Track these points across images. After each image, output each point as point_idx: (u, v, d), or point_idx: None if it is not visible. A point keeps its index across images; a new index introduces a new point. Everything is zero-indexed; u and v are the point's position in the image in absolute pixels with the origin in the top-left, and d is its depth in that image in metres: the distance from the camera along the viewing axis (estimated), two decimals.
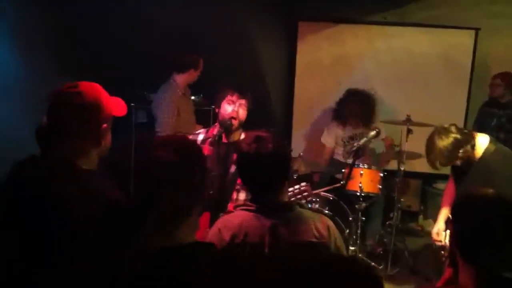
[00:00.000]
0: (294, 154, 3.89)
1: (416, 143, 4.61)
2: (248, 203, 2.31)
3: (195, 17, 5.02)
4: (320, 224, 2.24)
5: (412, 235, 5.96)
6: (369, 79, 6.06)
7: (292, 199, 3.06)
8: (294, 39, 6.53)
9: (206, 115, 5.51)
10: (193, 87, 5.09)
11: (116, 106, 2.12)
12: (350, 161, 4.42)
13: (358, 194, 4.77)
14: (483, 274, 1.70)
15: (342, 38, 6.48)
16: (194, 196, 1.69)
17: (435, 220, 4.00)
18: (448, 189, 4.00)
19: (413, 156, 5.01)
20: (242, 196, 3.32)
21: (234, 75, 5.07)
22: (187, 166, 1.66)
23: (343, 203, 4.80)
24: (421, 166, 5.06)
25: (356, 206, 4.79)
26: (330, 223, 2.31)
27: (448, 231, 3.76)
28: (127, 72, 5.28)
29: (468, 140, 3.44)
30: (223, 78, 4.04)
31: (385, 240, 5.29)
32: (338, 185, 4.55)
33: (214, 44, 5.13)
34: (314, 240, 2.20)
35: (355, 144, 3.90)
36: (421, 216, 6.44)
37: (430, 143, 3.49)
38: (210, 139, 3.46)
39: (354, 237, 4.75)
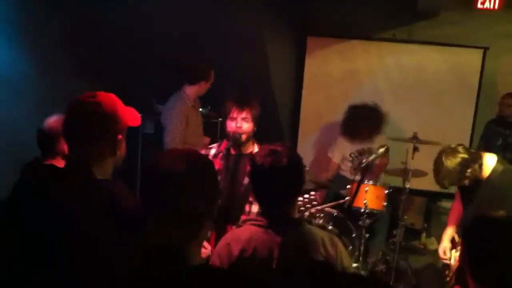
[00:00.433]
0: None
1: (421, 160, 4.63)
2: (258, 217, 2.31)
3: (205, 30, 5.05)
4: (329, 242, 2.24)
5: (415, 253, 5.94)
6: (377, 95, 6.08)
7: (302, 208, 3.06)
8: (302, 53, 6.56)
9: (213, 127, 5.53)
10: (201, 99, 5.11)
11: (131, 116, 2.15)
12: (358, 177, 4.42)
13: (363, 210, 4.76)
14: None
15: (350, 53, 6.51)
16: (205, 209, 1.67)
17: (438, 238, 4.00)
18: (454, 208, 4.00)
19: (418, 173, 5.01)
20: (255, 208, 3.32)
21: (242, 88, 5.08)
22: (196, 178, 1.64)
23: (347, 219, 4.79)
24: (426, 183, 5.06)
25: (360, 222, 4.78)
26: (339, 243, 2.31)
27: (454, 251, 3.76)
28: (136, 82, 5.32)
29: (475, 159, 3.45)
30: (230, 91, 4.07)
31: (388, 257, 5.27)
32: (343, 201, 4.56)
33: (223, 57, 5.15)
34: (321, 258, 2.19)
35: (364, 161, 3.90)
36: (424, 234, 6.43)
37: (438, 164, 3.49)
38: (221, 153, 3.48)
39: (357, 253, 4.74)
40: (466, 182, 3.49)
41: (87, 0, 4.61)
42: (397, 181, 5.48)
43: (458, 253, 3.67)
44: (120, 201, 1.93)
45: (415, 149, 4.98)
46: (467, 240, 1.86)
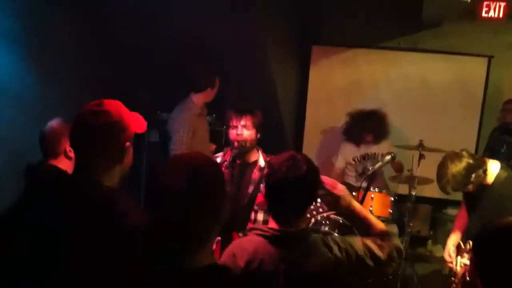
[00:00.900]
0: None
1: (427, 168, 4.62)
2: (264, 227, 2.26)
3: (208, 40, 5.08)
4: (335, 247, 2.21)
5: (421, 261, 5.93)
6: (381, 103, 6.06)
7: (308, 215, 3.06)
8: (307, 62, 6.58)
9: (218, 135, 5.55)
10: (206, 107, 5.14)
11: (137, 123, 2.14)
12: (364, 184, 4.42)
13: None
14: None
15: (354, 62, 6.52)
16: (211, 221, 1.65)
17: (444, 245, 3.99)
18: (460, 215, 3.99)
19: (424, 181, 5.01)
20: (260, 216, 3.34)
21: (246, 96, 5.11)
22: (203, 191, 1.61)
23: (352, 226, 4.77)
24: (432, 191, 5.06)
25: None
26: (337, 239, 2.27)
27: (459, 257, 3.75)
28: (140, 90, 5.34)
29: (480, 165, 3.44)
30: (235, 100, 4.10)
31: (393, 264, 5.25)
32: None
33: (227, 65, 5.18)
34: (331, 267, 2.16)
35: (370, 168, 3.89)
36: (430, 242, 6.41)
37: (443, 168, 3.49)
38: (226, 162, 3.50)
39: None
40: (470, 187, 3.48)
41: (91, 8, 4.64)
42: (403, 189, 5.48)
43: (463, 260, 3.66)
44: (125, 211, 1.93)
45: (421, 156, 4.98)
46: (477, 248, 1.85)
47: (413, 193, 5.00)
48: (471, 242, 3.53)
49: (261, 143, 3.59)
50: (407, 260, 5.11)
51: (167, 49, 5.11)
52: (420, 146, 5.00)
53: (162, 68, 5.31)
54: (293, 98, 6.70)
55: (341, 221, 4.73)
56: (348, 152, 5.47)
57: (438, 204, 6.38)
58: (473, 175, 3.40)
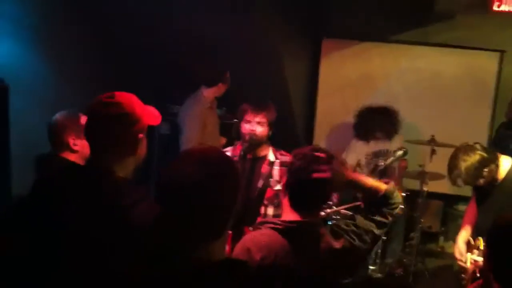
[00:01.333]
0: None
1: (439, 163, 4.59)
2: (276, 220, 2.28)
3: (219, 33, 5.07)
4: (348, 235, 2.22)
5: (432, 256, 5.91)
6: (392, 98, 6.03)
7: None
8: (317, 56, 6.55)
9: (228, 128, 5.54)
10: (217, 100, 5.13)
11: (151, 115, 2.16)
12: None
13: None
14: None
15: (366, 56, 6.47)
16: (226, 214, 1.65)
17: (455, 241, 3.95)
18: (469, 210, 3.94)
19: (436, 176, 4.98)
20: (270, 211, 3.34)
21: (257, 89, 5.09)
22: (218, 184, 1.61)
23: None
24: (443, 187, 5.03)
25: None
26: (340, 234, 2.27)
27: (469, 254, 3.72)
28: (151, 83, 5.35)
29: (493, 159, 3.40)
30: (246, 93, 4.08)
31: (405, 260, 5.24)
32: (359, 203, 4.53)
33: (237, 59, 5.16)
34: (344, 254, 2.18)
35: (381, 164, 3.87)
36: (441, 237, 6.38)
37: (455, 160, 3.44)
38: (236, 157, 3.49)
39: (374, 256, 4.72)
40: (481, 181, 3.43)
41: (103, 5, 4.65)
42: (414, 184, 5.45)
43: (473, 256, 3.63)
44: (136, 202, 1.93)
45: (433, 152, 4.94)
46: (491, 243, 1.83)
47: (425, 189, 4.98)
48: (481, 239, 3.50)
49: (272, 136, 3.58)
50: (418, 255, 5.09)
51: (179, 42, 5.11)
52: (432, 141, 4.97)
53: (175, 60, 5.30)
54: (304, 91, 6.67)
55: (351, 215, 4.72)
56: (359, 150, 5.43)
57: (450, 200, 6.33)
58: (485, 169, 3.36)
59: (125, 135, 2.03)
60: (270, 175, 3.44)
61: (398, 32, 6.49)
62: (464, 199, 5.57)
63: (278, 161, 3.49)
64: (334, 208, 4.19)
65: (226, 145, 4.41)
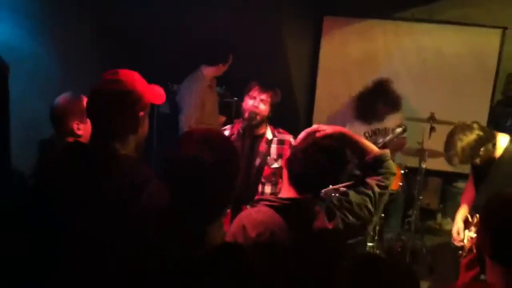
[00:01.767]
0: None
1: (438, 141, 4.59)
2: (271, 197, 2.29)
3: (219, 13, 5.05)
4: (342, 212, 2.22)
5: (430, 233, 5.96)
6: (394, 75, 6.00)
7: None
8: (318, 33, 6.51)
9: (228, 107, 5.55)
10: (217, 79, 5.13)
11: (154, 94, 2.16)
12: None
13: None
14: None
15: (368, 34, 6.43)
16: (228, 194, 1.69)
17: (454, 218, 3.97)
18: (468, 188, 3.97)
19: (435, 154, 4.99)
20: (268, 189, 3.37)
21: (257, 68, 5.08)
22: (221, 165, 1.64)
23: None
24: (442, 164, 5.01)
25: None
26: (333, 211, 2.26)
27: (467, 231, 3.75)
28: (151, 62, 5.33)
29: (490, 138, 3.40)
30: (246, 71, 4.09)
31: (403, 237, 5.29)
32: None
33: (237, 37, 5.15)
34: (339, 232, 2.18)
35: (381, 141, 3.87)
36: (440, 215, 6.43)
37: (452, 139, 3.44)
38: (234, 136, 3.50)
39: (373, 233, 4.75)
40: (478, 161, 3.44)
41: None
42: (413, 161, 5.46)
43: (471, 234, 3.66)
44: (141, 178, 1.94)
45: (432, 129, 4.95)
46: (485, 217, 1.84)
47: (423, 166, 4.99)
48: (478, 216, 3.52)
49: (273, 114, 3.59)
50: (416, 232, 5.13)
51: (181, 21, 5.09)
52: (431, 118, 4.98)
53: (175, 39, 5.29)
54: (305, 70, 6.64)
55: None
56: (359, 128, 5.43)
57: (448, 177, 6.36)
58: (482, 149, 3.37)
59: (126, 113, 2.03)
60: (267, 153, 3.46)
61: (401, 9, 6.45)
62: (463, 177, 5.60)
63: (276, 139, 3.51)
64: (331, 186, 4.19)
65: (225, 124, 4.42)
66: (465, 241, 3.72)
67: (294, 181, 2.25)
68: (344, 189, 4.60)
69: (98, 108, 2.03)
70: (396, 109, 5.36)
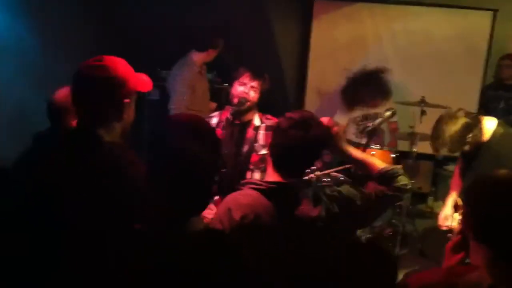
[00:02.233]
0: None
1: (429, 124, 4.58)
2: (258, 181, 2.30)
3: None
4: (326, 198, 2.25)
5: (421, 217, 5.97)
6: (384, 59, 6.00)
7: (307, 170, 3.05)
8: (309, 17, 6.48)
9: (218, 93, 5.53)
10: (207, 65, 5.10)
11: (141, 82, 2.14)
12: (363, 141, 4.39)
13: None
14: (496, 254, 1.70)
15: (358, 17, 6.41)
16: (211, 180, 1.69)
17: (445, 202, 3.99)
18: (457, 173, 3.96)
19: (426, 137, 4.98)
20: (256, 175, 3.36)
21: (247, 53, 5.07)
22: (202, 152, 1.64)
23: (353, 184, 4.78)
24: None
25: None
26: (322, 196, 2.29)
27: (455, 214, 3.76)
28: (139, 48, 5.30)
29: (476, 123, 3.39)
30: (236, 57, 4.07)
31: (394, 221, 5.30)
32: (349, 166, 4.54)
33: (227, 21, 5.12)
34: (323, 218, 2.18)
35: (370, 125, 3.86)
36: (431, 198, 6.45)
37: (438, 130, 3.42)
38: (222, 123, 3.49)
39: None
40: (467, 148, 3.44)
41: None
42: (404, 145, 5.47)
43: (460, 216, 3.67)
44: (126, 165, 1.95)
45: (423, 112, 4.95)
46: (468, 199, 1.85)
47: (415, 150, 5.00)
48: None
49: (263, 100, 3.58)
50: (408, 216, 5.15)
51: (168, 7, 5.06)
52: (422, 102, 4.97)
53: (164, 25, 5.25)
54: (295, 54, 6.62)
55: (341, 178, 4.75)
56: (349, 113, 5.42)
57: (440, 161, 6.37)
58: (469, 136, 3.36)
59: (110, 99, 2.02)
60: (255, 139, 3.45)
61: None
62: (454, 160, 5.56)
63: (263, 125, 3.49)
64: (325, 171, 4.20)
65: (216, 110, 4.40)
66: (455, 224, 3.73)
67: (277, 165, 2.26)
68: (336, 174, 4.62)
69: (81, 93, 2.02)
70: (387, 97, 5.34)
